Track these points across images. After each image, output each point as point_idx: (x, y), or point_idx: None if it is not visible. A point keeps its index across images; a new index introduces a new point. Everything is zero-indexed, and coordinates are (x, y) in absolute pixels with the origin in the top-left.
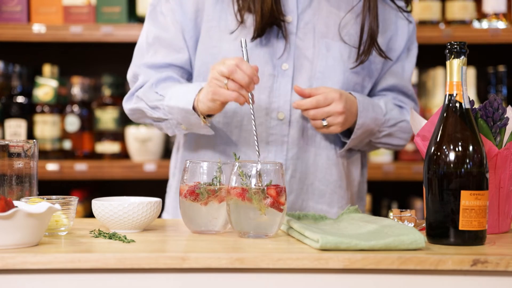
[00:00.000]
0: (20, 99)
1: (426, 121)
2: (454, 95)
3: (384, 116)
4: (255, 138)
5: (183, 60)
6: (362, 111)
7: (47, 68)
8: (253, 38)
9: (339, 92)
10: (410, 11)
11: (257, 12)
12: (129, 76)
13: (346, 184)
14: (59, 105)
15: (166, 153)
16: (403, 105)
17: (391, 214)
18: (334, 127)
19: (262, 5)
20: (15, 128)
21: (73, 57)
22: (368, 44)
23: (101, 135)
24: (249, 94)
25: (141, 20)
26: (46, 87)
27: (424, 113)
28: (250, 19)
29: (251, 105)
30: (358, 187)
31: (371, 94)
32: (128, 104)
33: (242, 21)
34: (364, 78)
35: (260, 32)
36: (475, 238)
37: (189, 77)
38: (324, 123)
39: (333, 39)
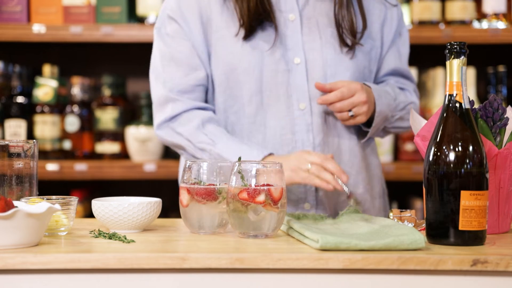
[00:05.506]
0: (20, 99)
1: (426, 121)
2: (454, 95)
3: (395, 101)
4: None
5: (203, 77)
6: (378, 99)
7: (47, 68)
8: (245, 37)
9: (359, 84)
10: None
11: (244, 12)
12: (158, 96)
13: (366, 166)
14: (59, 105)
15: (166, 153)
16: (404, 87)
17: (391, 214)
18: (360, 117)
19: (248, 4)
20: (15, 128)
21: (73, 57)
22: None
23: (101, 135)
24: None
25: (141, 20)
26: (46, 87)
27: (424, 113)
28: (258, 32)
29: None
30: (375, 170)
31: (374, 81)
32: (163, 133)
33: (243, 25)
34: (370, 62)
35: (249, 31)
36: (475, 238)
37: (209, 92)
38: (351, 113)
39: (337, 28)
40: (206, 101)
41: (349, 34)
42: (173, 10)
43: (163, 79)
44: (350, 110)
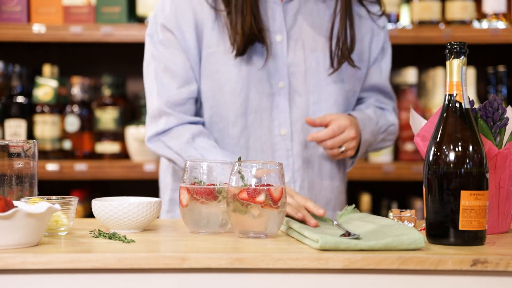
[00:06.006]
0: (20, 99)
1: (426, 121)
2: (454, 95)
3: (377, 125)
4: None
5: (195, 90)
6: (364, 129)
7: (47, 68)
8: (235, 56)
9: (348, 118)
10: (383, 14)
11: (238, 32)
12: (152, 109)
13: (344, 188)
14: (59, 105)
15: None
16: (384, 106)
17: (391, 214)
18: (350, 151)
19: (242, 24)
20: (15, 128)
21: (73, 57)
22: (341, 55)
23: (101, 135)
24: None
25: (141, 20)
26: (46, 87)
27: (424, 113)
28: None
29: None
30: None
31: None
32: (154, 147)
33: (233, 44)
34: (354, 84)
35: (242, 51)
36: (475, 238)
37: (198, 103)
38: (342, 149)
39: (322, 51)
40: (197, 113)
41: (342, 51)
42: (168, 19)
43: (157, 91)
44: (340, 146)
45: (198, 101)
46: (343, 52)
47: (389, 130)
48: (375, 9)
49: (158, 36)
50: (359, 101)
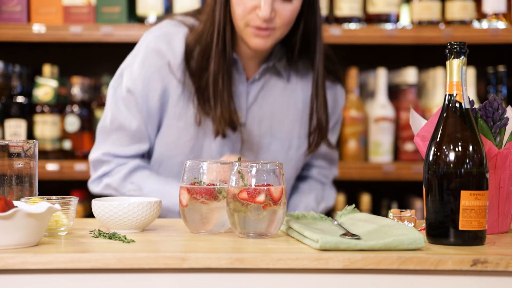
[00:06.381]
0: (20, 99)
1: (426, 121)
2: (454, 95)
3: (317, 211)
4: None
5: (145, 149)
6: None
7: (47, 68)
8: (216, 137)
9: None
10: (343, 83)
11: (218, 120)
12: (93, 158)
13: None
14: (59, 105)
15: None
16: (324, 180)
17: (391, 214)
18: None
19: (222, 114)
20: (15, 128)
21: (73, 57)
22: (317, 138)
23: None
24: None
25: (141, 20)
26: (46, 87)
27: (424, 113)
28: (207, 121)
29: None
30: None
31: (300, 160)
32: (96, 188)
33: (200, 124)
34: (302, 154)
35: (223, 135)
36: (475, 238)
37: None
38: None
39: (279, 131)
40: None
41: (317, 136)
42: (134, 83)
43: (106, 143)
44: None
45: (145, 155)
46: (319, 136)
47: (326, 209)
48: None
49: (122, 93)
50: (304, 168)
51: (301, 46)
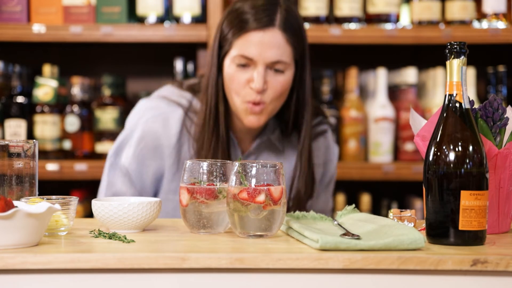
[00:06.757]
0: (20, 99)
1: (426, 121)
2: (454, 95)
3: None
4: None
5: None
6: None
7: (47, 68)
8: None
9: None
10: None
11: None
12: None
13: None
14: (59, 105)
15: None
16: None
17: (391, 214)
18: None
19: None
20: (15, 128)
21: (73, 57)
22: (294, 208)
23: (101, 135)
24: None
25: (141, 20)
26: (46, 87)
27: (424, 113)
28: None
29: None
30: None
31: None
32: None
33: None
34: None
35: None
36: (475, 238)
37: None
38: None
39: None
40: None
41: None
42: (130, 164)
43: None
44: None
45: None
46: (297, 207)
47: None
48: (324, 127)
49: (118, 168)
50: None
51: (294, 119)
